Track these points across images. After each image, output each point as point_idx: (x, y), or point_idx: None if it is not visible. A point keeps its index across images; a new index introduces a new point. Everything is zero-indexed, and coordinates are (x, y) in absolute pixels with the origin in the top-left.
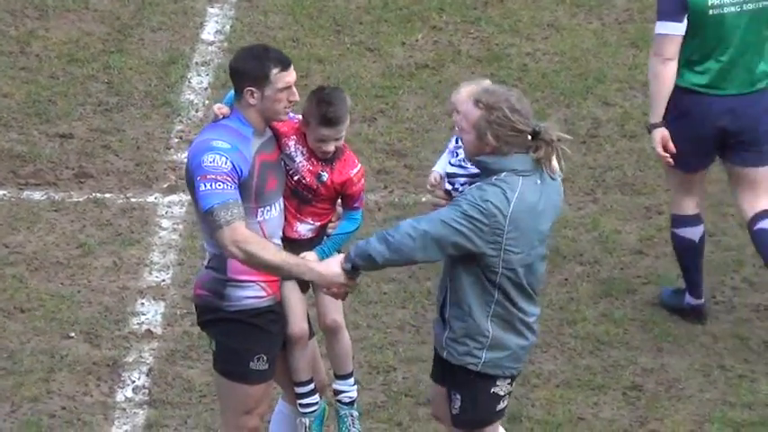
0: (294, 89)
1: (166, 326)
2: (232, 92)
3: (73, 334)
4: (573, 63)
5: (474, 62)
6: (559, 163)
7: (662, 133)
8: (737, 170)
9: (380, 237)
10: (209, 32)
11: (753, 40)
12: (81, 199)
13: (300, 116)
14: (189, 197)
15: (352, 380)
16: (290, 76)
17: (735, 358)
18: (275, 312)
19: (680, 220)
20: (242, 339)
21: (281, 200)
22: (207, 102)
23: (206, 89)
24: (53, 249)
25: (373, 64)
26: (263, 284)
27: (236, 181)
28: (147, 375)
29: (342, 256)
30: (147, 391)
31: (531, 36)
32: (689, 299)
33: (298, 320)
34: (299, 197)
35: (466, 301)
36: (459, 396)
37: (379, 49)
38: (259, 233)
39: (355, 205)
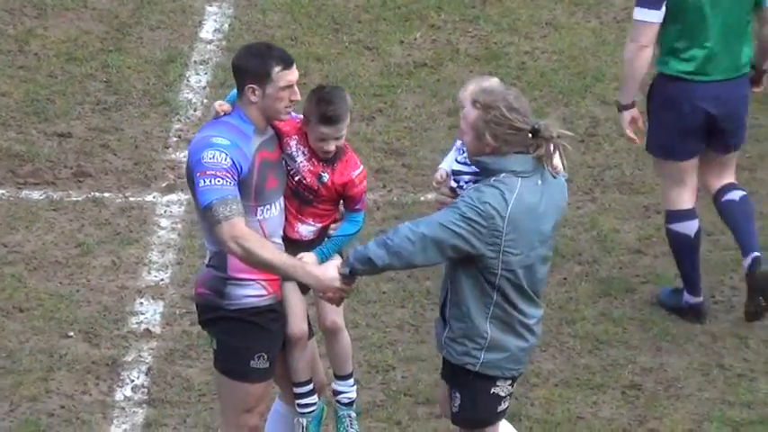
0: (296, 88)
1: (165, 325)
2: (235, 90)
3: (72, 333)
4: (571, 62)
5: (472, 61)
6: (562, 161)
7: (632, 114)
8: (713, 155)
9: (379, 241)
10: (207, 31)
11: (735, 24)
12: (80, 198)
13: (301, 115)
14: (188, 196)
15: (351, 380)
16: (292, 74)
17: (734, 357)
18: (276, 311)
19: (674, 216)
20: (242, 338)
21: (282, 199)
22: (205, 100)
23: (204, 88)
24: (52, 249)
25: (372, 63)
26: (263, 283)
27: (236, 178)
28: (146, 374)
29: (339, 260)
30: (145, 390)
31: (529, 35)
32: (687, 297)
33: (297, 321)
34: (300, 198)
35: (465, 302)
36: (458, 395)
37: (378, 48)
38: (259, 232)
39: (357, 207)
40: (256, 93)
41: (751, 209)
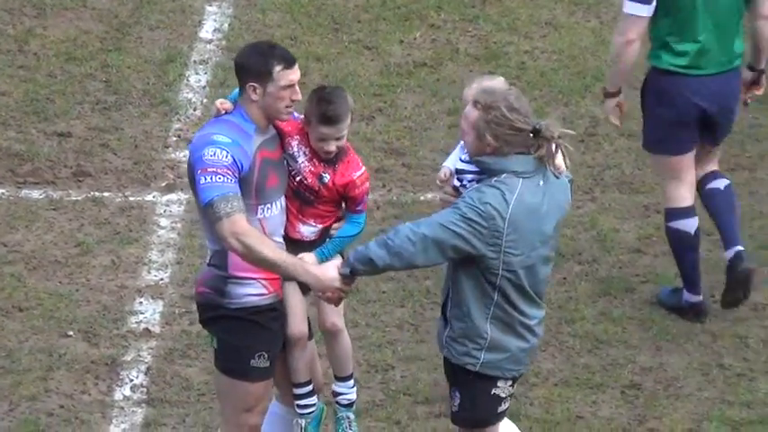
0: (297, 88)
1: (165, 324)
2: (237, 89)
3: (71, 333)
4: (571, 61)
5: (472, 60)
6: (565, 161)
7: (617, 100)
8: (700, 146)
9: (380, 241)
10: (207, 31)
11: (727, 18)
12: (79, 198)
13: (303, 116)
14: (187, 196)
15: (351, 382)
16: (294, 74)
17: (733, 357)
18: (277, 310)
19: (673, 213)
20: (243, 337)
21: (283, 198)
22: (205, 100)
23: (204, 87)
24: (51, 248)
25: (371, 62)
26: (264, 282)
27: (237, 175)
28: (146, 374)
29: (339, 260)
30: (145, 389)
31: (529, 34)
32: (687, 296)
33: (297, 322)
34: (301, 198)
35: (465, 302)
36: (458, 394)
37: (378, 48)
38: (260, 231)
39: (358, 208)
40: (257, 91)
41: (734, 199)
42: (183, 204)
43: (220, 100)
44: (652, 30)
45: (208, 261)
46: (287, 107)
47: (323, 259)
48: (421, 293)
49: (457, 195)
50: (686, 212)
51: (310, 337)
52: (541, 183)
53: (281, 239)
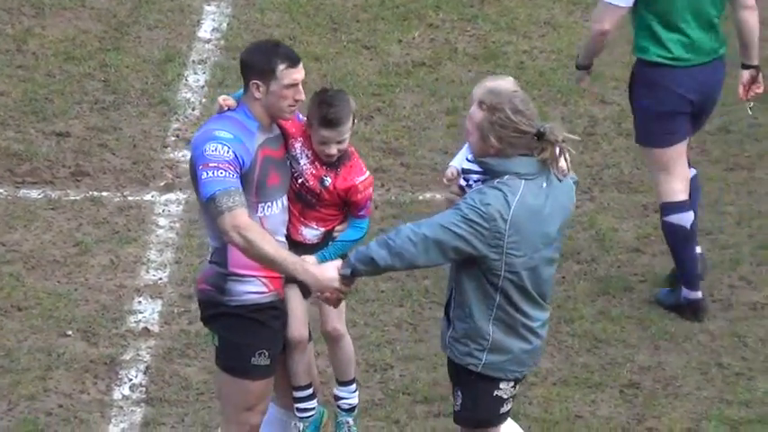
0: (300, 88)
1: (163, 324)
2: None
3: (70, 332)
4: (570, 61)
5: (471, 60)
6: (566, 163)
7: (586, 74)
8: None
9: (381, 241)
10: (205, 30)
11: (708, 8)
12: (78, 197)
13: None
14: (186, 195)
15: (353, 386)
16: (298, 73)
17: (732, 356)
18: (277, 308)
19: (668, 207)
20: (243, 334)
21: (285, 198)
22: (204, 100)
23: (203, 87)
24: (50, 248)
25: (370, 62)
26: (264, 280)
27: (238, 170)
28: (145, 373)
29: (339, 261)
30: (144, 389)
31: (527, 34)
32: (685, 292)
33: (297, 325)
34: (303, 201)
35: (468, 302)
36: (460, 394)
37: (376, 47)
38: None
39: (360, 213)
40: (261, 89)
41: (699, 193)
42: (181, 204)
43: (223, 96)
44: (637, 22)
45: (209, 258)
46: (290, 106)
47: (323, 262)
48: (420, 293)
49: (462, 195)
50: (681, 206)
51: (309, 339)
52: (544, 185)
53: (283, 239)
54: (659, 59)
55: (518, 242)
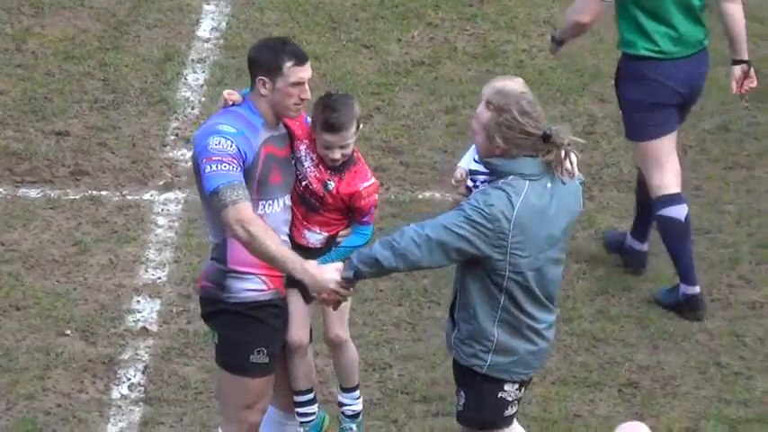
0: (306, 86)
1: (162, 323)
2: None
3: (68, 331)
4: (569, 60)
5: (470, 59)
6: (573, 166)
7: (558, 48)
8: None
9: (385, 243)
10: (204, 29)
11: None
12: (77, 196)
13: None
14: (185, 194)
15: (356, 393)
16: (304, 72)
17: (731, 355)
18: (277, 306)
19: (662, 201)
20: (242, 332)
21: (287, 198)
22: (203, 99)
23: (202, 86)
24: (49, 247)
25: (369, 61)
26: (264, 278)
27: (242, 165)
28: (143, 373)
29: (340, 263)
30: (142, 388)
31: (527, 33)
32: (684, 288)
33: (297, 329)
34: (307, 204)
35: (473, 304)
36: (463, 394)
37: (375, 46)
38: None
39: (364, 220)
40: (267, 86)
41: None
42: (180, 203)
43: (228, 90)
44: (622, 16)
45: (210, 255)
46: (295, 104)
47: None
48: (418, 292)
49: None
50: (674, 199)
51: (309, 341)
52: (549, 185)
53: (285, 239)
54: (647, 53)
55: (522, 242)
